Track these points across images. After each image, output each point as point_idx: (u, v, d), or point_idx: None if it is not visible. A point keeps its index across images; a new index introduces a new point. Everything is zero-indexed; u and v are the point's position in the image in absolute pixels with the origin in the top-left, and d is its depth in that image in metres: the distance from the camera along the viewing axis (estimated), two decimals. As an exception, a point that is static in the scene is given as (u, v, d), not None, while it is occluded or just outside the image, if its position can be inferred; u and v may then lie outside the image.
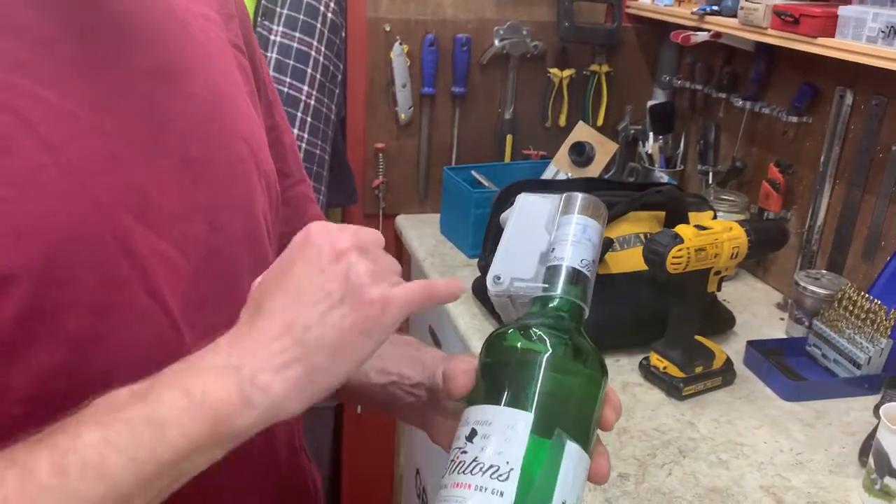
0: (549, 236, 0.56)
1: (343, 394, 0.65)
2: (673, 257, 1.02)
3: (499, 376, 0.49)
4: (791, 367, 1.18)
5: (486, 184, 1.58)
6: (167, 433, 0.39)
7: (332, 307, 0.43)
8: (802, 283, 1.24)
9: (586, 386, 0.50)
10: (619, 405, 0.52)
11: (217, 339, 0.43)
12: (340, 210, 1.74)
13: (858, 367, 1.11)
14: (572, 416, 0.48)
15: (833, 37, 1.13)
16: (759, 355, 1.16)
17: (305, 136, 1.43)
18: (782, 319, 1.35)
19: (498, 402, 0.48)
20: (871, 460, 0.90)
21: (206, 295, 0.51)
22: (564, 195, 0.58)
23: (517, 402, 0.47)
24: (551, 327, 0.51)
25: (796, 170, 1.41)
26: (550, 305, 0.53)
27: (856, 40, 1.09)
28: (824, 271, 1.29)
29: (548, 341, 0.50)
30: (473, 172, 1.61)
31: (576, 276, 0.53)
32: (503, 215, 0.64)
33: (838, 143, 1.31)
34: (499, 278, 0.57)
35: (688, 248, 1.02)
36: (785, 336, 1.28)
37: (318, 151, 1.46)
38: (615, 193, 1.28)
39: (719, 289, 1.12)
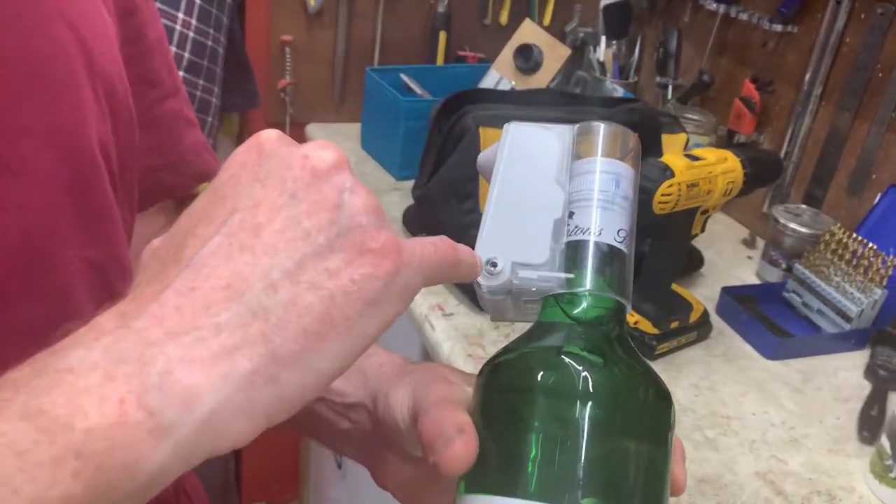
0: (562, 191, 0.38)
1: None
2: (662, 195, 0.83)
3: (518, 442, 0.31)
4: (767, 317, 1.04)
5: (419, 91, 1.34)
6: (19, 493, 0.20)
7: (315, 256, 0.26)
8: (782, 220, 1.09)
9: (655, 441, 0.32)
10: (682, 450, 0.35)
11: (97, 317, 0.24)
12: (238, 116, 1.46)
13: (848, 320, 0.98)
14: (639, 496, 0.31)
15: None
16: (737, 305, 1.01)
17: (193, 22, 1.13)
18: (750, 258, 1.20)
19: (524, 491, 0.30)
20: (883, 443, 0.76)
21: None
22: (578, 126, 0.39)
23: (556, 488, 0.29)
24: (588, 348, 0.33)
25: (775, 87, 1.23)
26: (579, 308, 0.35)
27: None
28: (804, 206, 1.14)
29: (590, 376, 0.31)
30: (402, 76, 1.36)
31: (611, 257, 0.36)
32: (481, 156, 0.43)
33: (829, 59, 1.13)
34: (495, 265, 0.37)
35: (679, 184, 0.84)
36: (756, 278, 1.14)
37: (209, 42, 1.17)
38: (572, 110, 1.07)
39: (703, 230, 0.94)
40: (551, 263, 0.37)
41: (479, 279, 0.37)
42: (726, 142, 1.27)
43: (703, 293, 1.07)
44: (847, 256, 1.00)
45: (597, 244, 0.36)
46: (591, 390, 0.31)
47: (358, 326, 0.26)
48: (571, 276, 0.36)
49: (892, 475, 0.75)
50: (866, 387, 0.92)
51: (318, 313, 0.25)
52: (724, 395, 0.89)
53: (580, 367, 0.32)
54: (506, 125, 0.41)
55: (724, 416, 0.85)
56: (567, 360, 0.33)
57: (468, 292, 0.95)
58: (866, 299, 0.97)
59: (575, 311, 0.36)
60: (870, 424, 0.85)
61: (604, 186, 0.37)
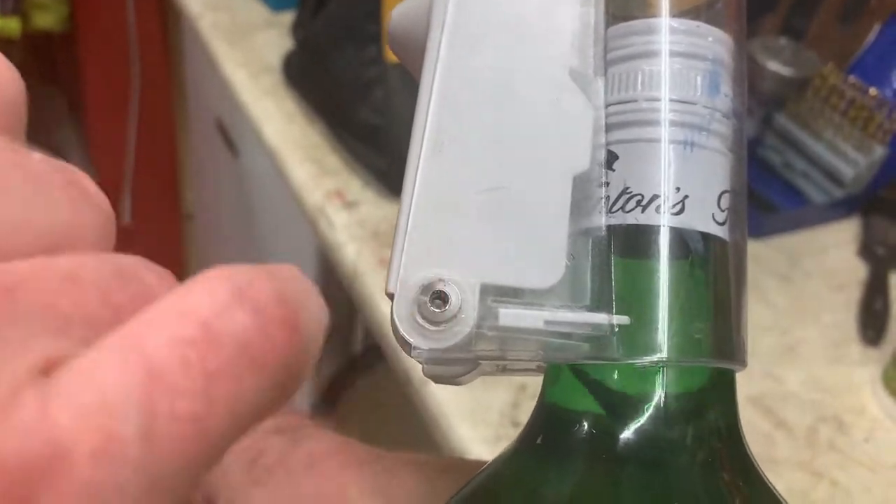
0: (584, 102, 0.16)
1: None
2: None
3: None
4: (741, 182, 0.86)
5: None
6: None
7: None
8: (759, 59, 0.88)
9: None
10: None
11: None
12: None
13: (841, 185, 0.81)
14: None
15: None
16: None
17: None
18: (713, 104, 1.00)
19: None
20: (905, 353, 0.61)
21: None
22: None
23: None
24: (671, 486, 0.15)
25: None
26: (650, 397, 0.16)
27: None
28: (784, 41, 0.93)
29: None
30: None
31: (712, 262, 0.16)
32: (396, 18, 0.16)
33: None
34: (443, 298, 0.17)
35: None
36: (723, 131, 0.95)
37: None
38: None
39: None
40: (570, 286, 0.16)
41: (404, 331, 0.16)
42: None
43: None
44: (842, 106, 0.81)
45: (679, 234, 0.16)
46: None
47: None
48: (626, 319, 0.16)
49: (914, 394, 0.61)
50: (861, 268, 0.77)
51: None
52: (702, 292, 0.72)
53: None
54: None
55: (706, 322, 0.69)
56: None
57: (376, 171, 0.72)
58: (864, 159, 0.79)
59: (638, 405, 0.17)
60: (873, 321, 0.70)
61: (682, 90, 0.16)
